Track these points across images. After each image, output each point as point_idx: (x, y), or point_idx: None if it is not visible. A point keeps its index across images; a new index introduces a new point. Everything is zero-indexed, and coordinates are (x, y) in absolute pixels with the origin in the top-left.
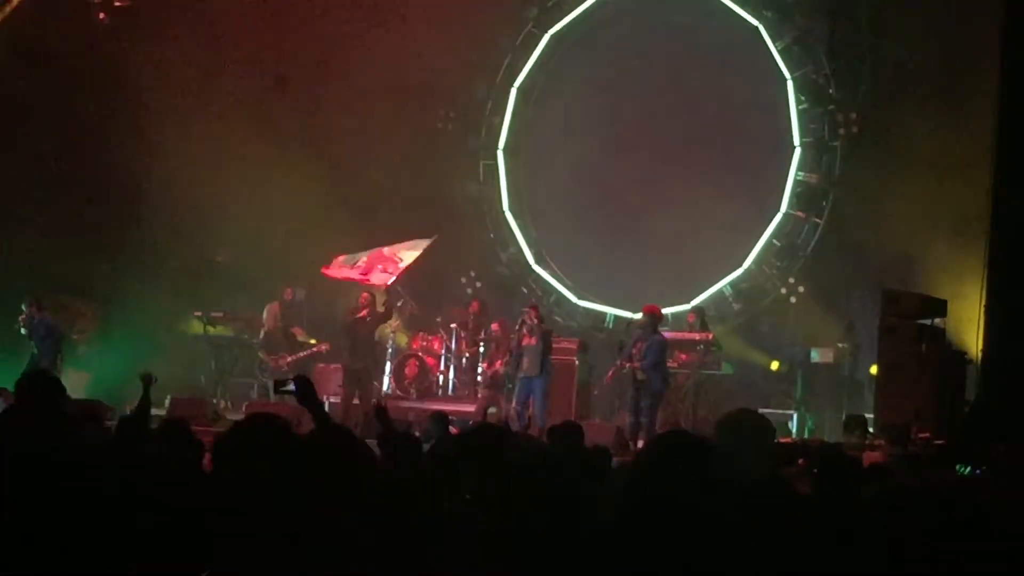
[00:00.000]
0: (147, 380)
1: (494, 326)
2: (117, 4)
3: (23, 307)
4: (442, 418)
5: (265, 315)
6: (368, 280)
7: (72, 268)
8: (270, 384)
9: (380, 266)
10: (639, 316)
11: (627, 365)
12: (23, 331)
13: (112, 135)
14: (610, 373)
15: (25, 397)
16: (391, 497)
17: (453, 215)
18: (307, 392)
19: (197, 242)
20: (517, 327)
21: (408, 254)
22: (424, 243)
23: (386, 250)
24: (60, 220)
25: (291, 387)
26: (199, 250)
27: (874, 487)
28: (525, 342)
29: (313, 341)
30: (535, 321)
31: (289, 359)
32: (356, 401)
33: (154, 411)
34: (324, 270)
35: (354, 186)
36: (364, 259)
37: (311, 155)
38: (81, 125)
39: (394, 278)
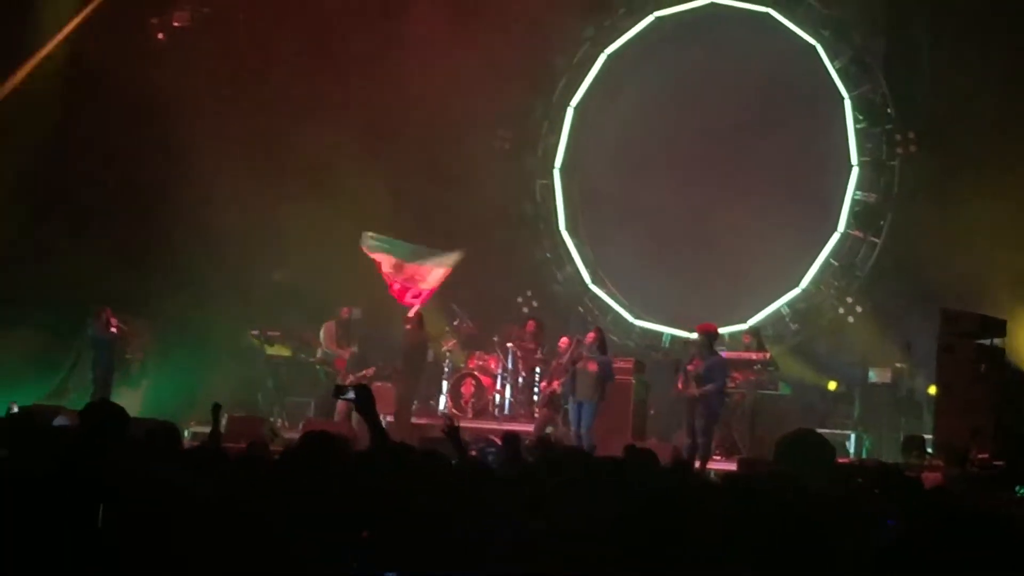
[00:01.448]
0: (217, 411)
1: (561, 343)
2: (176, 24)
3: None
4: (514, 439)
5: (322, 334)
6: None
7: (130, 286)
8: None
9: (410, 291)
10: (695, 336)
11: (684, 390)
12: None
13: (170, 153)
14: (680, 384)
15: (89, 426)
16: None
17: (509, 234)
18: (366, 401)
19: (255, 261)
20: (574, 347)
21: (434, 275)
22: (451, 258)
23: (421, 268)
24: (119, 238)
25: (351, 395)
26: (257, 269)
27: (933, 508)
28: (580, 364)
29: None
30: (595, 344)
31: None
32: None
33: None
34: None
35: (410, 205)
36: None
37: (367, 173)
38: (140, 144)
39: (416, 307)
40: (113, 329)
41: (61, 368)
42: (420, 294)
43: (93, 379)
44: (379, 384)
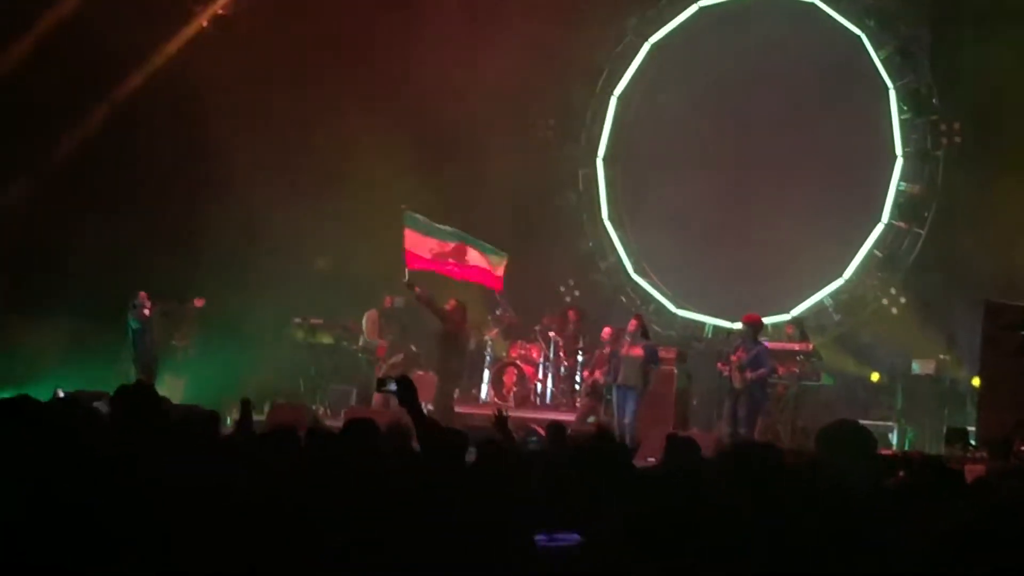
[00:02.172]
0: (246, 404)
1: (604, 332)
2: (220, 12)
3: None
4: (559, 429)
5: (364, 322)
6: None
7: (174, 274)
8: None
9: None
10: (739, 326)
11: (726, 369)
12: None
13: (212, 141)
14: (726, 370)
15: (121, 409)
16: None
17: (552, 223)
18: (407, 392)
19: (298, 249)
20: (616, 335)
21: (476, 260)
22: (498, 258)
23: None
24: (162, 226)
25: (392, 387)
26: (300, 257)
27: (976, 501)
28: (625, 351)
29: (414, 348)
30: (637, 331)
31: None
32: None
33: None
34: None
35: (453, 193)
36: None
37: (410, 161)
38: (182, 131)
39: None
40: (146, 311)
41: (104, 355)
42: (455, 271)
43: (134, 365)
44: (421, 373)
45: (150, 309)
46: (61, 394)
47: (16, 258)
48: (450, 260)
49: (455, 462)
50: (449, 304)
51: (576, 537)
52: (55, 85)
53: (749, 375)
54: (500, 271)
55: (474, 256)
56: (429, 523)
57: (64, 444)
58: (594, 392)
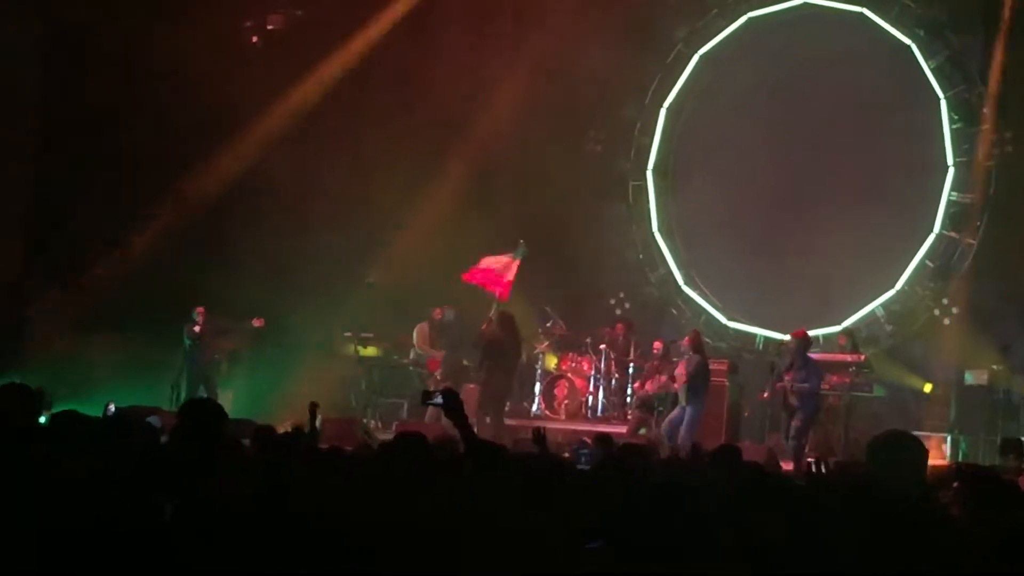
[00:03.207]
0: (313, 409)
1: (655, 345)
2: (269, 28)
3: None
4: (607, 440)
5: (415, 335)
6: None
7: (226, 290)
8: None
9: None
10: (788, 338)
11: (780, 386)
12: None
13: (265, 157)
14: (766, 393)
15: (185, 422)
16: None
17: (602, 236)
18: (454, 405)
19: (348, 264)
20: (666, 349)
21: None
22: (516, 252)
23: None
24: (215, 241)
25: (438, 399)
26: (350, 272)
27: None
28: (678, 369)
29: (466, 363)
30: (690, 346)
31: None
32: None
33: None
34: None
35: (502, 206)
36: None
37: (459, 176)
38: (232, 146)
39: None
40: (196, 328)
41: (158, 370)
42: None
43: (187, 380)
44: (472, 387)
45: (201, 326)
46: (112, 409)
47: (71, 274)
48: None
49: (500, 475)
50: (495, 316)
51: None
52: (107, 100)
53: (797, 387)
54: (511, 274)
55: (488, 260)
56: (472, 534)
57: (108, 459)
58: (645, 405)
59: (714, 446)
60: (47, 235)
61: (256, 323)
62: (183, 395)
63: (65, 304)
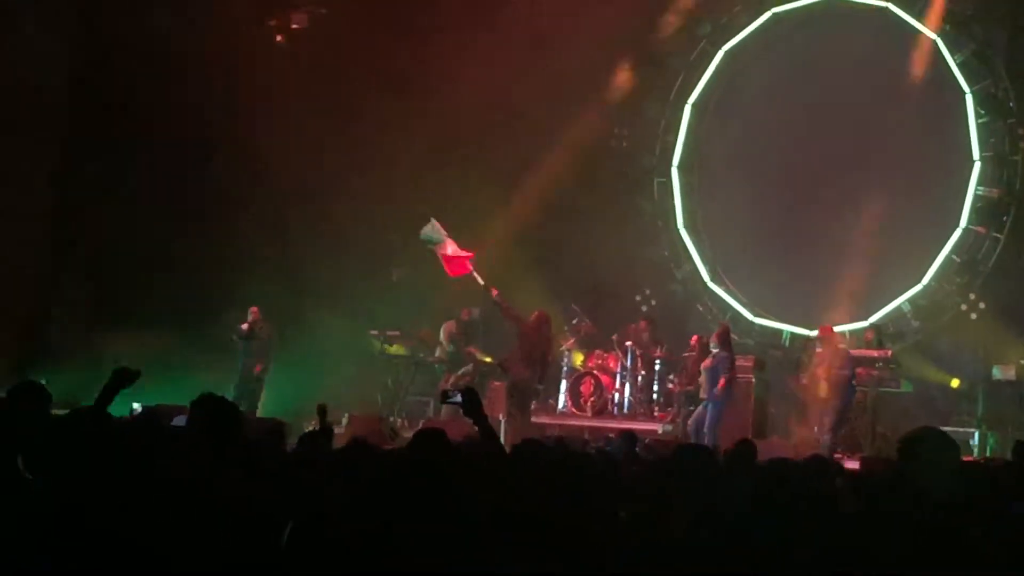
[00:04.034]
0: (322, 410)
1: (692, 340)
2: (295, 27)
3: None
4: (631, 437)
5: (442, 334)
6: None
7: (251, 287)
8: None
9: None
10: (814, 333)
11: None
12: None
13: (290, 151)
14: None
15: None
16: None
17: (627, 232)
18: (472, 404)
19: (373, 261)
20: (702, 344)
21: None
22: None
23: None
24: (240, 240)
25: (457, 398)
26: (375, 269)
27: None
28: (704, 364)
29: (488, 359)
30: (717, 341)
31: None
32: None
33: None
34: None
35: (527, 204)
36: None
37: (482, 173)
38: (261, 147)
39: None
40: (243, 326)
41: (187, 369)
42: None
43: (239, 378)
44: (498, 384)
45: (249, 324)
46: (137, 408)
47: (102, 272)
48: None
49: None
50: (533, 315)
51: None
52: (132, 98)
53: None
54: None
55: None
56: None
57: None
58: (676, 401)
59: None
60: (73, 233)
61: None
62: (236, 393)
63: (90, 302)
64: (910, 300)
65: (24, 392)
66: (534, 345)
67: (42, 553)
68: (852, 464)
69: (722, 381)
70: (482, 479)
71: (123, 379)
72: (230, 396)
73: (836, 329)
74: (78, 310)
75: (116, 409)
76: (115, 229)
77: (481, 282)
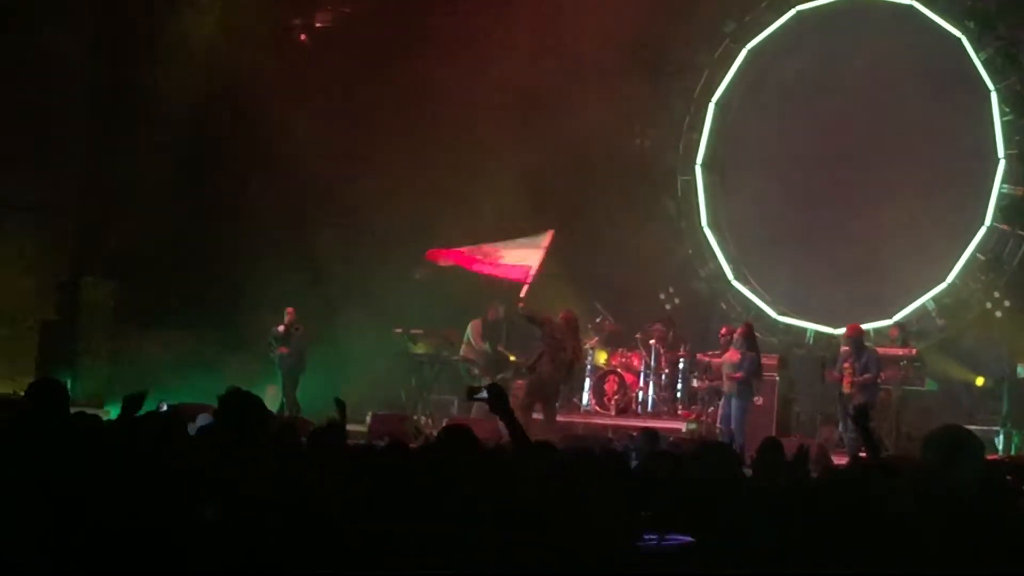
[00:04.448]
0: (340, 405)
1: (723, 330)
2: (318, 25)
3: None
4: (653, 435)
5: (469, 333)
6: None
7: (276, 286)
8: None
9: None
10: (841, 331)
11: (837, 377)
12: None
13: (316, 151)
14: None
15: (224, 415)
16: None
17: (651, 231)
18: (499, 400)
19: (397, 260)
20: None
21: (531, 255)
22: (542, 240)
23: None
24: (266, 239)
25: (483, 394)
26: (399, 268)
27: None
28: (726, 357)
29: (513, 358)
30: (740, 338)
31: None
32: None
33: (355, 427)
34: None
35: (551, 202)
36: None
37: (507, 171)
38: (288, 147)
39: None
40: (280, 328)
41: (212, 368)
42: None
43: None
44: (521, 382)
45: (286, 326)
46: (164, 407)
47: (129, 271)
48: (477, 257)
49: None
50: (560, 316)
51: (688, 539)
52: (159, 96)
53: (859, 378)
54: (536, 258)
55: (511, 255)
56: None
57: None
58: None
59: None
60: (97, 231)
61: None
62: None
63: (114, 301)
64: (935, 298)
65: (43, 390)
66: (561, 345)
67: (43, 553)
68: None
69: (739, 375)
70: (489, 478)
71: (133, 403)
72: (278, 403)
73: (862, 327)
74: (102, 309)
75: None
76: (139, 228)
77: (521, 295)
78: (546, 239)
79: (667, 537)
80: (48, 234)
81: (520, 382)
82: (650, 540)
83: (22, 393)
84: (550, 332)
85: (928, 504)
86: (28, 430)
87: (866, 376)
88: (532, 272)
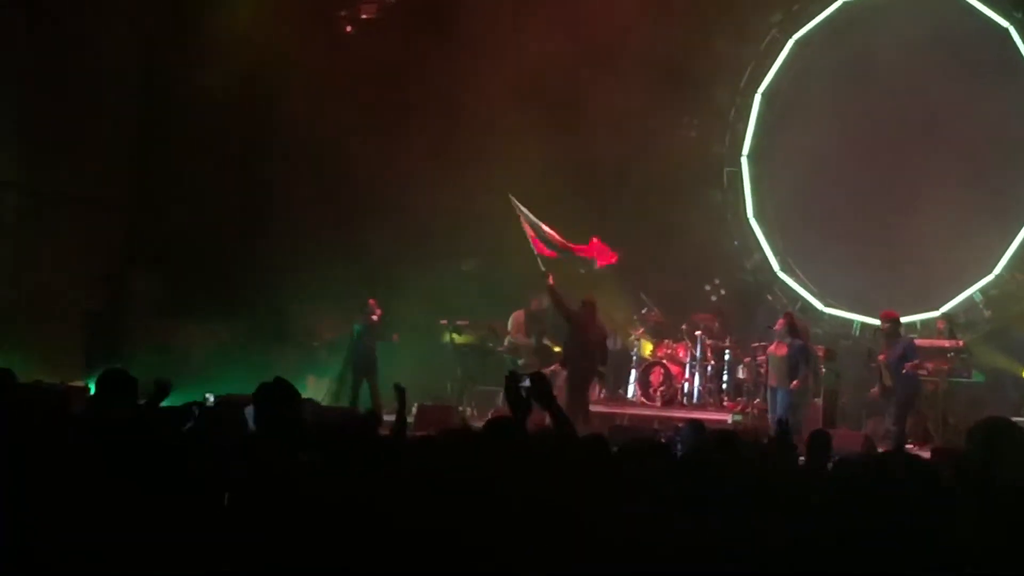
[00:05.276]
0: (401, 392)
1: (779, 322)
2: (364, 16)
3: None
4: (699, 426)
5: (510, 323)
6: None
7: (318, 275)
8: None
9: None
10: (879, 322)
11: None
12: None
13: (360, 142)
14: (876, 390)
15: (260, 405)
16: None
17: (697, 222)
18: (542, 389)
19: (444, 251)
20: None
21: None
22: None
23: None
24: (307, 229)
25: (526, 383)
26: (445, 259)
27: None
28: (771, 349)
29: (557, 349)
30: (784, 329)
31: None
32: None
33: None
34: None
35: (599, 193)
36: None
37: (554, 164)
38: (333, 138)
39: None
40: (374, 317)
41: (255, 360)
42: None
43: (350, 368)
44: (554, 368)
45: (379, 315)
46: (211, 399)
47: (175, 263)
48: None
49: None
50: (579, 303)
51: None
52: (203, 92)
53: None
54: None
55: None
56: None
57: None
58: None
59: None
60: (145, 224)
61: (395, 338)
62: (348, 387)
63: (161, 293)
64: (982, 290)
65: (112, 380)
66: (587, 333)
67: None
68: (923, 454)
69: (802, 378)
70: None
71: (159, 393)
72: (330, 394)
73: (906, 319)
74: (148, 301)
75: (189, 398)
76: (185, 220)
77: (543, 268)
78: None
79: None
80: (95, 226)
81: (552, 368)
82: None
83: (70, 384)
84: (576, 323)
85: (971, 495)
86: (101, 419)
87: (908, 364)
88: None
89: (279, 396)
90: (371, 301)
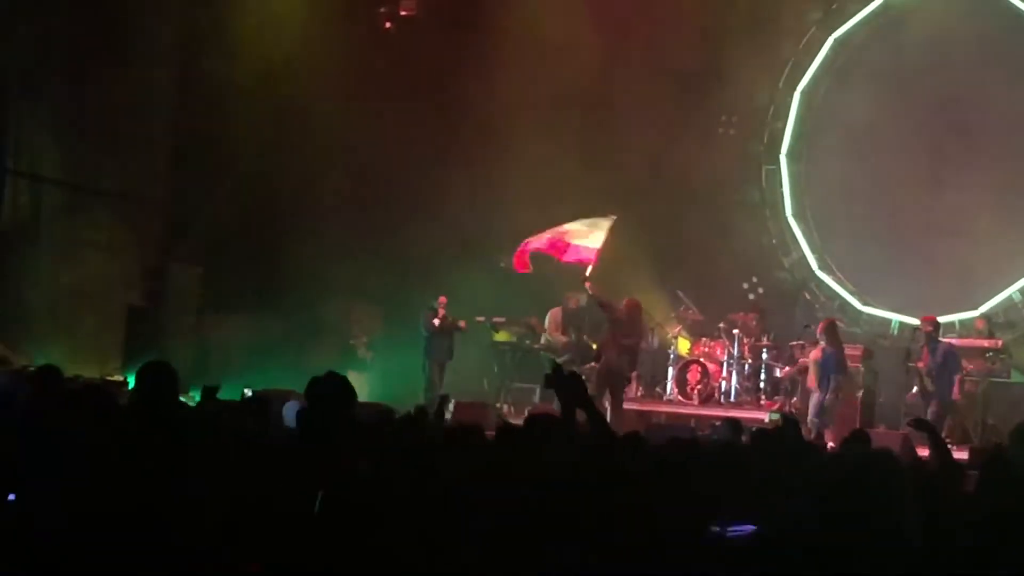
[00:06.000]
0: (443, 402)
1: (820, 326)
2: (403, 13)
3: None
4: (736, 424)
5: (547, 321)
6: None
7: (356, 273)
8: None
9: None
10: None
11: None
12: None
13: (397, 139)
14: (914, 391)
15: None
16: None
17: (735, 220)
18: (578, 389)
19: (480, 248)
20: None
21: (595, 236)
22: (605, 223)
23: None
24: (347, 228)
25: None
26: (482, 256)
27: None
28: (813, 355)
29: (595, 345)
30: (823, 333)
31: None
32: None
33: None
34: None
35: (635, 191)
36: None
37: (590, 163)
38: (366, 135)
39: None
40: (435, 321)
41: (292, 354)
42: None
43: (427, 370)
44: (593, 365)
45: (440, 319)
46: (249, 393)
47: (215, 258)
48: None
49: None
50: (624, 303)
51: (750, 528)
52: (240, 89)
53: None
54: (599, 239)
55: (577, 233)
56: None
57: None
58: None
59: (847, 432)
60: (184, 220)
61: (462, 324)
62: (425, 384)
63: (200, 288)
64: (1021, 289)
65: (155, 372)
66: (626, 332)
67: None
68: (961, 455)
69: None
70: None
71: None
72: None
73: (944, 319)
74: (188, 295)
75: (227, 394)
76: (225, 216)
77: (587, 274)
78: (608, 222)
79: (731, 527)
80: (136, 221)
81: (590, 366)
82: (714, 531)
83: (109, 378)
84: (615, 319)
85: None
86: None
87: (952, 378)
88: (596, 253)
89: (335, 393)
90: (441, 299)
